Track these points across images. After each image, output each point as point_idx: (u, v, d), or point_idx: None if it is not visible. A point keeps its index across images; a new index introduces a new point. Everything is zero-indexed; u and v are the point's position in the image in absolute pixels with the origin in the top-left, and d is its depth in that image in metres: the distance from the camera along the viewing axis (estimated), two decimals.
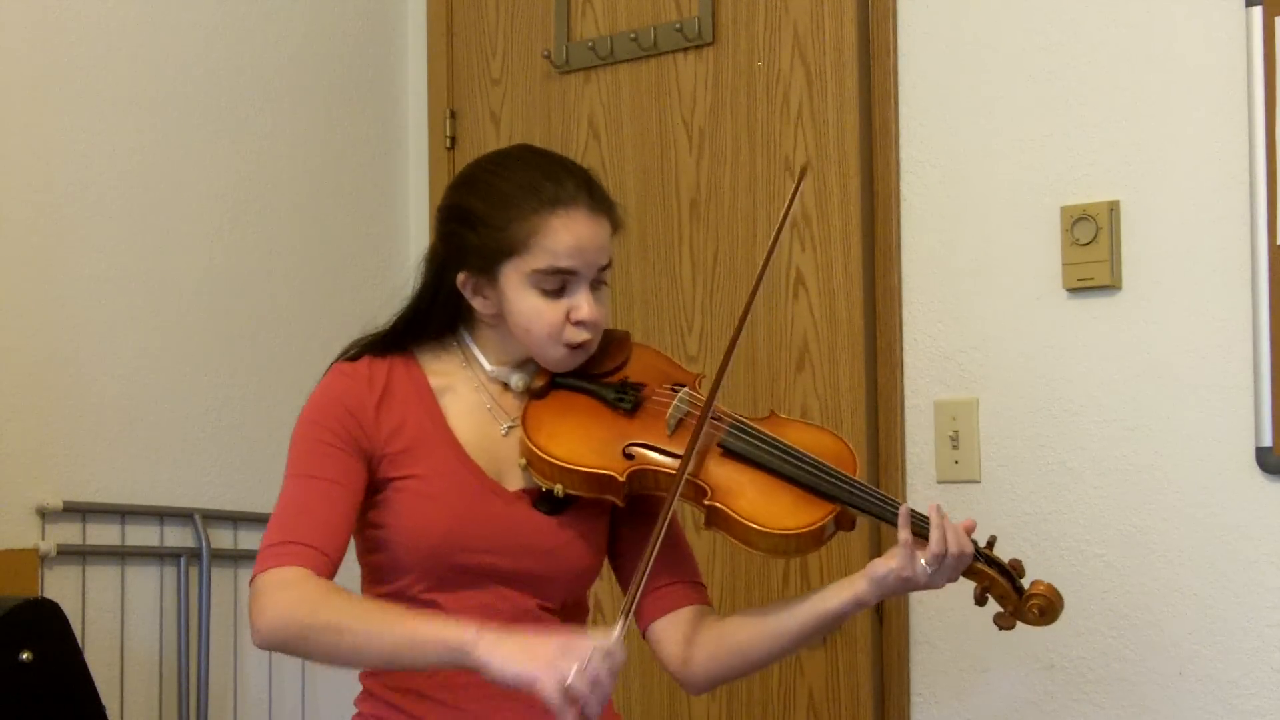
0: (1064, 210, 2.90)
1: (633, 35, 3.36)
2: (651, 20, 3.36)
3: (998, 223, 2.99)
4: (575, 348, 2.17)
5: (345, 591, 2.04)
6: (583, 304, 2.15)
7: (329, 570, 2.07)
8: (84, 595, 3.04)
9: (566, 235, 2.12)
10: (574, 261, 2.13)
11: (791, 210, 2.24)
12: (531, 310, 2.15)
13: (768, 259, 2.24)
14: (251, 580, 2.08)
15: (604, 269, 2.17)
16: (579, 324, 2.15)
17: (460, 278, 2.18)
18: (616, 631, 1.95)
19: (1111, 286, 2.86)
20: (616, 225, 2.20)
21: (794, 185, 2.20)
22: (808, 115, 3.16)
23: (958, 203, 3.03)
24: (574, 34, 3.47)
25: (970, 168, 3.02)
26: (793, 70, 3.19)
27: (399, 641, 1.99)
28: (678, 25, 3.31)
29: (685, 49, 3.32)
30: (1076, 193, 2.90)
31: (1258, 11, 2.71)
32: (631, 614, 2.01)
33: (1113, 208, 2.86)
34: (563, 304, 2.15)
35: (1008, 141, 2.98)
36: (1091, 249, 2.86)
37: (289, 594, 2.03)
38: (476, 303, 2.19)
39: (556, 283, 2.14)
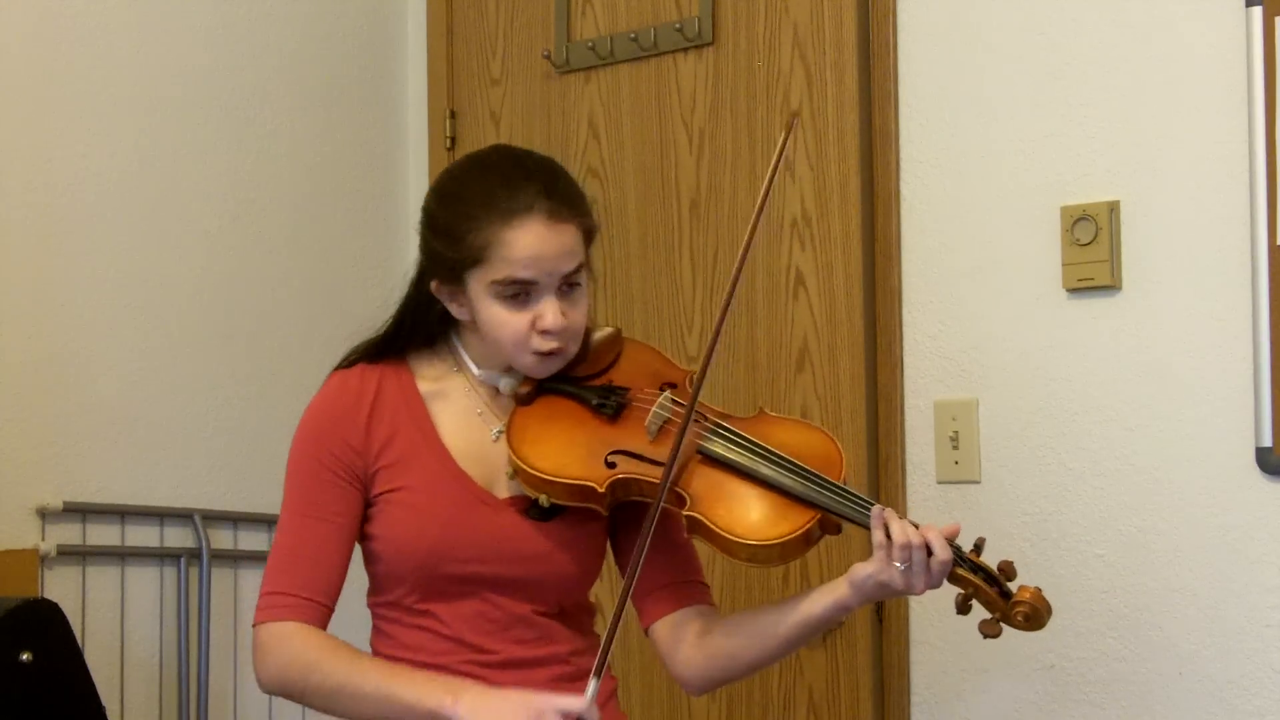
0: (1064, 210, 2.90)
1: (633, 35, 3.36)
2: (651, 20, 3.36)
3: (998, 223, 2.99)
4: (545, 355, 2.14)
5: (339, 649, 2.09)
6: (546, 312, 2.11)
7: (323, 618, 2.13)
8: (84, 595, 3.04)
9: (520, 247, 2.09)
10: (531, 272, 2.10)
11: (782, 159, 2.17)
12: (496, 320, 2.13)
13: (760, 210, 2.16)
14: (254, 624, 2.13)
15: (573, 273, 2.13)
16: (545, 333, 2.12)
17: (434, 284, 2.18)
18: (589, 692, 1.99)
19: (1111, 286, 2.86)
20: (587, 228, 2.15)
21: (784, 133, 2.17)
22: (808, 115, 3.16)
23: (958, 203, 3.03)
24: (574, 34, 3.46)
25: (970, 168, 3.02)
26: (793, 70, 3.19)
27: (383, 705, 2.05)
28: (678, 25, 3.31)
29: (685, 49, 3.31)
30: (1076, 193, 2.90)
31: (1258, 11, 2.71)
32: (602, 673, 2.03)
33: (1113, 208, 2.86)
34: (527, 313, 2.12)
35: (1008, 141, 2.98)
36: (1091, 249, 2.86)
37: (284, 653, 2.09)
38: (453, 308, 2.18)
39: (517, 291, 2.11)
